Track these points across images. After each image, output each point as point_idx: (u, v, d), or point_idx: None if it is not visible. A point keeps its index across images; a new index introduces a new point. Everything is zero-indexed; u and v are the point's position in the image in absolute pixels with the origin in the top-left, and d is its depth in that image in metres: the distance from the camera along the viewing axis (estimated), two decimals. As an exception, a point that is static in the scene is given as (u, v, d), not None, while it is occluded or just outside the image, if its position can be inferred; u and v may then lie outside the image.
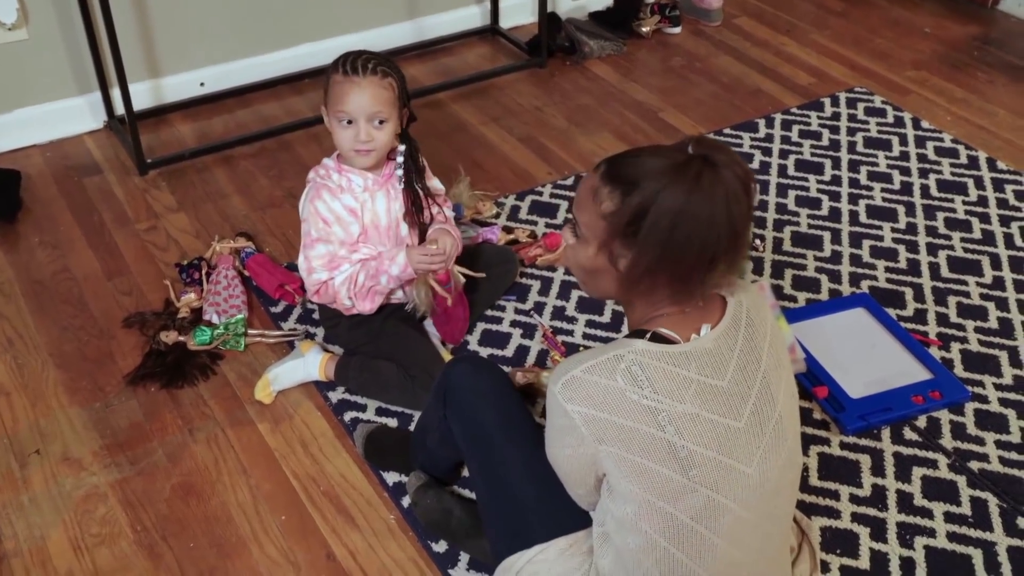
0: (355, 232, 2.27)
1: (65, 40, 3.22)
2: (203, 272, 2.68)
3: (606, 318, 2.63)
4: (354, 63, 2.14)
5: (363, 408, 2.35)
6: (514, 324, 2.60)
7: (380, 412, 2.34)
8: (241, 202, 3.06)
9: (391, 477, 2.19)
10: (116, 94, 3.32)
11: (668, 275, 1.48)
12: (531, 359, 2.49)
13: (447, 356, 2.42)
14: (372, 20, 3.76)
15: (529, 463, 1.74)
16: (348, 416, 2.33)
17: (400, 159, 2.27)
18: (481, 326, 2.59)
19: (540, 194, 3.10)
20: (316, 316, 2.57)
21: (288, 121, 3.42)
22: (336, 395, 2.38)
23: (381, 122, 2.17)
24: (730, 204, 1.43)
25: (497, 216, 2.99)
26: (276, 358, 2.47)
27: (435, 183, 2.44)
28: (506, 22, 4.04)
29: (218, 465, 2.24)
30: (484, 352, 2.51)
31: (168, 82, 3.48)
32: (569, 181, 3.17)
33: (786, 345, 1.65)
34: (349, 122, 2.16)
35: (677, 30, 4.07)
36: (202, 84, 3.54)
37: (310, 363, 2.39)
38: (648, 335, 1.51)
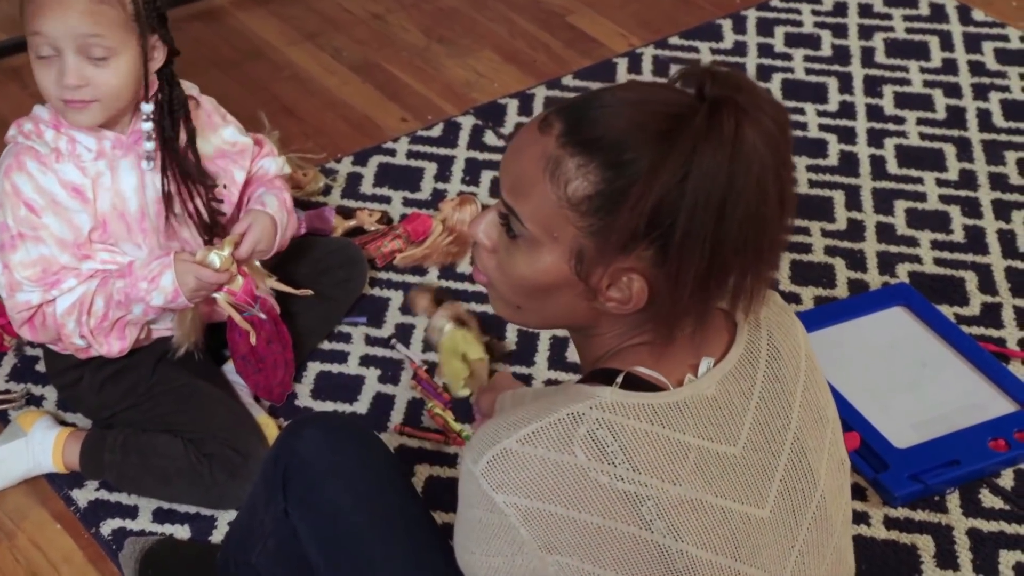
0: (83, 226, 2.24)
1: None
2: None
3: (509, 343, 2.65)
4: None
5: (132, 511, 2.32)
6: (366, 361, 2.62)
7: (160, 517, 2.32)
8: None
9: (185, 622, 2.16)
10: None
11: (699, 286, 1.46)
12: (397, 415, 2.51)
13: (266, 421, 2.42)
14: None
15: None
16: (108, 527, 2.30)
17: (146, 125, 2.22)
18: (314, 367, 2.60)
19: (392, 153, 3.12)
20: (43, 367, 2.54)
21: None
22: (86, 495, 2.35)
23: (102, 58, 2.14)
24: (779, 168, 1.42)
25: (327, 192, 2.99)
26: (-21, 440, 2.42)
27: (229, 132, 2.40)
28: None
29: None
30: (320, 408, 2.52)
31: None
32: (436, 131, 3.19)
33: (826, 384, 1.67)
34: (48, 56, 2.13)
35: None
36: None
37: (38, 446, 2.35)
38: (619, 379, 1.49)
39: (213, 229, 2.35)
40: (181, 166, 2.28)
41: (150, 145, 2.24)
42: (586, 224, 1.43)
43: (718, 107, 1.38)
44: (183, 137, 2.28)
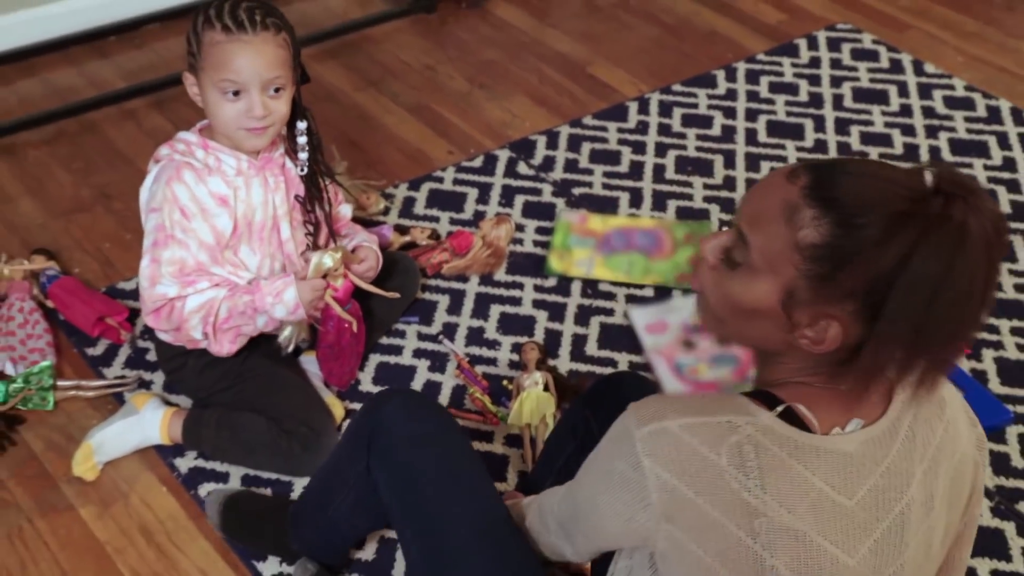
0: (224, 229, 2.28)
1: None
2: (-10, 305, 2.64)
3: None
4: (236, 14, 2.14)
5: (224, 477, 2.35)
6: (418, 354, 2.64)
7: (247, 482, 2.35)
8: (35, 207, 3.02)
9: (268, 568, 2.18)
10: None
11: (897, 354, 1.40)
12: (443, 399, 2.53)
13: (333, 402, 2.44)
14: (198, -45, 3.74)
15: (482, 531, 1.79)
16: (204, 489, 2.33)
17: (302, 139, 2.31)
18: (375, 358, 2.61)
19: (440, 180, 3.13)
20: (152, 357, 2.57)
21: (93, 95, 3.39)
22: (186, 463, 2.38)
23: (277, 89, 2.20)
24: (990, 272, 1.36)
25: (386, 212, 3.01)
26: (100, 418, 2.45)
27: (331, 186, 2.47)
28: (378, -47, 4.06)
29: (26, 569, 2.19)
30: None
31: (-78, 47, 3.41)
32: (477, 162, 3.21)
33: (964, 484, 1.57)
34: (236, 93, 2.18)
35: (604, -43, 4.14)
36: (-31, 48, 3.47)
37: (148, 422, 2.38)
38: (779, 408, 1.45)
39: (317, 240, 2.41)
40: (326, 169, 2.39)
41: (304, 155, 2.33)
42: (805, 269, 1.39)
43: (952, 201, 1.33)
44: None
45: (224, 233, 2.27)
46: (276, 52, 2.17)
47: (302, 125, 2.31)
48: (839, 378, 1.44)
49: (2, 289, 2.68)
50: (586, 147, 3.28)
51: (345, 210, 2.54)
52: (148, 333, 2.57)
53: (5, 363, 2.52)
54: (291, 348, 2.43)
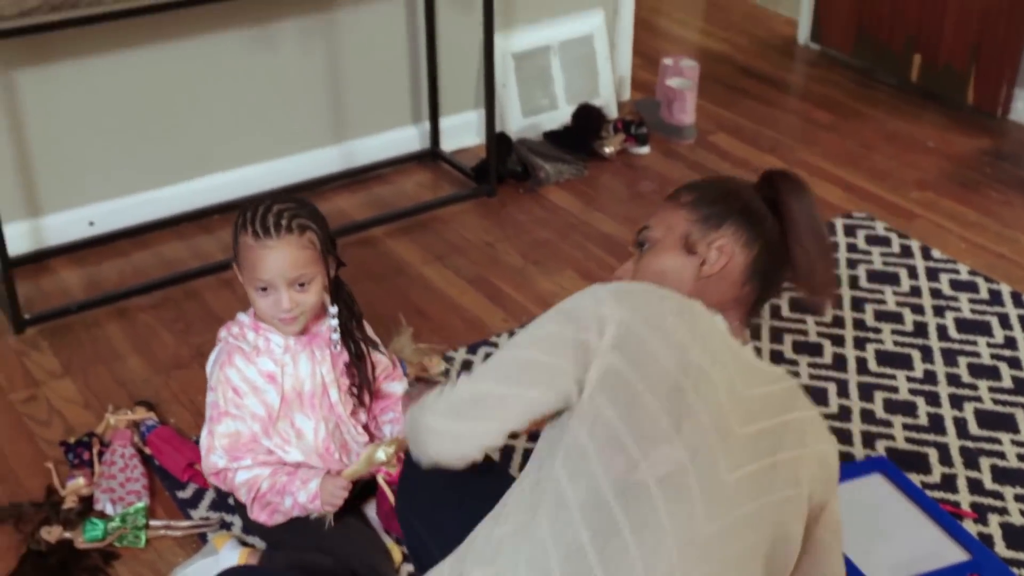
0: (273, 402, 2.29)
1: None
2: (94, 451, 2.65)
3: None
4: (264, 222, 2.17)
5: (292, 615, 2.30)
6: (471, 504, 2.59)
7: (313, 619, 2.29)
8: (140, 364, 3.05)
9: None
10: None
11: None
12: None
13: (393, 548, 2.40)
14: (292, 145, 3.83)
15: None
16: (274, 625, 2.28)
17: (333, 321, 2.32)
18: (432, 508, 2.57)
19: (495, 345, 3.13)
20: (232, 501, 2.54)
21: (195, 265, 3.45)
22: (259, 600, 2.33)
23: (303, 284, 2.22)
24: (805, 201, 1.77)
25: (446, 373, 3.00)
26: (184, 555, 2.43)
27: (377, 355, 2.48)
28: (448, 145, 4.13)
29: None
30: (436, 540, 2.49)
31: (50, 222, 3.49)
32: (529, 329, 3.19)
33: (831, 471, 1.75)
34: (265, 289, 2.21)
35: (645, 150, 4.19)
36: (91, 223, 3.55)
37: (226, 561, 2.35)
38: (712, 312, 1.70)
39: (363, 404, 2.40)
40: (355, 342, 2.37)
41: (336, 336, 2.33)
42: (692, 216, 1.76)
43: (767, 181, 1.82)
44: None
45: (273, 406, 2.29)
46: (300, 253, 2.18)
47: (333, 310, 2.31)
48: (742, 299, 1.75)
49: (108, 436, 2.71)
50: (627, 318, 3.26)
51: (396, 387, 2.53)
52: (231, 480, 2.55)
53: (106, 503, 2.52)
54: (329, 520, 2.37)
